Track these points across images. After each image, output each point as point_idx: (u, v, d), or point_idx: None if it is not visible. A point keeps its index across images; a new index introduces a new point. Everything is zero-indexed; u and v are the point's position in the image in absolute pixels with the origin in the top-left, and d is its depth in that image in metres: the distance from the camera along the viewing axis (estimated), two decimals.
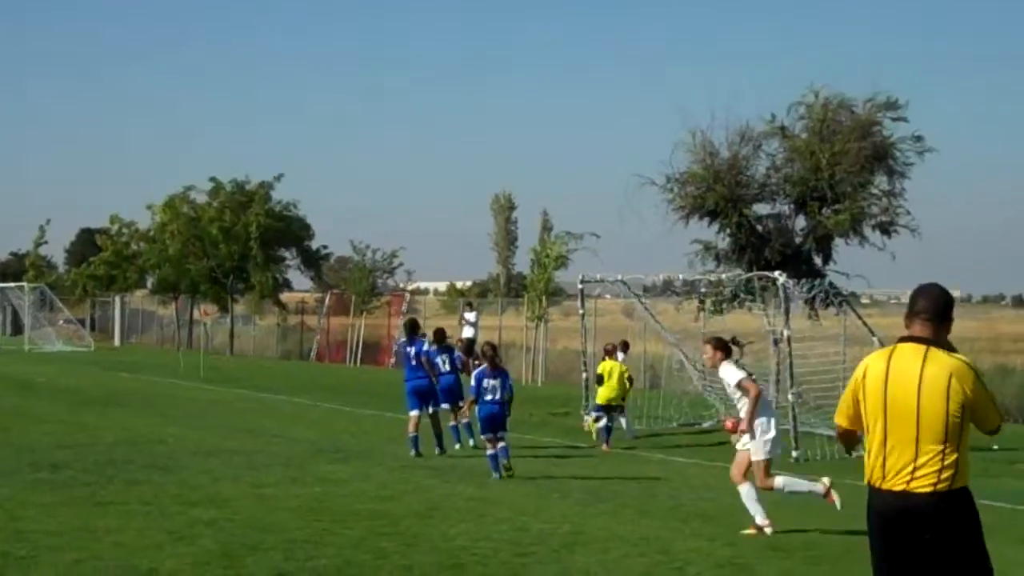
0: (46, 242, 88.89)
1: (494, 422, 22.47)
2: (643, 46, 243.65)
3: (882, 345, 30.45)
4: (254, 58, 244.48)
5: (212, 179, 76.90)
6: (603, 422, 29.61)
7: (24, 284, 79.64)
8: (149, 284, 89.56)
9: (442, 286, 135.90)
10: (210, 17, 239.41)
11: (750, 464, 17.26)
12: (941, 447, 8.29)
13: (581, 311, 35.21)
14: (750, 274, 34.75)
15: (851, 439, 9.05)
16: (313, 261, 79.93)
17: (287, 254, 78.54)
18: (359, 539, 15.50)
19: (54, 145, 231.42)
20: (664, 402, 34.16)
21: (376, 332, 67.50)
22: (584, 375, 33.39)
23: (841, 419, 8.93)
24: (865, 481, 8.69)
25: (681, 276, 38.16)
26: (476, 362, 54.85)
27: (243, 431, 29.36)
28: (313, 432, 29.18)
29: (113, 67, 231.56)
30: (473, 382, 22.82)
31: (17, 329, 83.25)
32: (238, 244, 74.08)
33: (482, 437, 23.17)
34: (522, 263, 66.43)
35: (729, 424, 17.74)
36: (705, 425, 33.74)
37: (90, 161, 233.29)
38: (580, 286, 34.92)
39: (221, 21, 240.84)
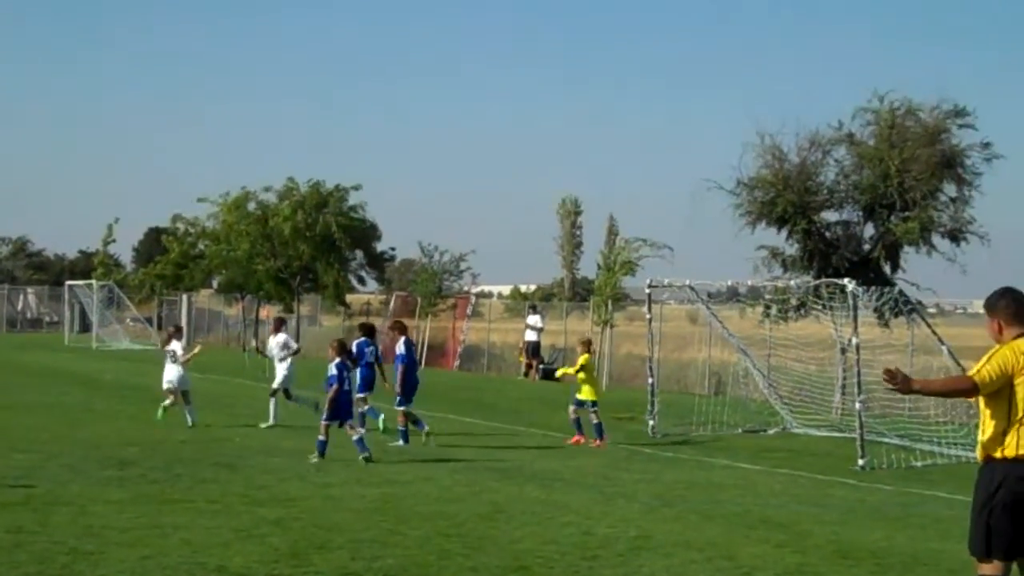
0: (114, 240, 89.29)
1: (349, 410, 24.57)
2: (711, 50, 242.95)
3: (951, 355, 30.35)
4: (323, 63, 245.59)
5: (289, 179, 76.43)
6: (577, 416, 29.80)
7: (93, 282, 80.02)
8: (215, 283, 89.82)
9: (506, 289, 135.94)
10: (270, 26, 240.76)
11: None
12: None
13: (648, 316, 34.94)
14: (819, 281, 34.57)
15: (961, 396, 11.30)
16: (378, 263, 79.92)
17: (351, 255, 78.35)
18: (424, 540, 15.56)
19: (123, 144, 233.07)
20: (729, 408, 33.99)
21: (441, 334, 67.46)
22: (651, 380, 33.21)
23: (985, 383, 10.24)
24: (1005, 455, 10.21)
25: (749, 282, 37.90)
26: (539, 364, 55.17)
27: (309, 430, 29.42)
28: (377, 433, 29.24)
29: (188, 68, 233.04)
30: (335, 371, 24.06)
31: (85, 327, 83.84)
32: (310, 244, 73.95)
33: (332, 423, 24.12)
34: (587, 267, 66.51)
35: None
36: (771, 432, 33.59)
37: (159, 160, 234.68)
38: (648, 291, 34.64)
39: (291, 30, 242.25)
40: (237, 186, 78.97)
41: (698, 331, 50.42)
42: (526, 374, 56.16)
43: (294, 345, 31.45)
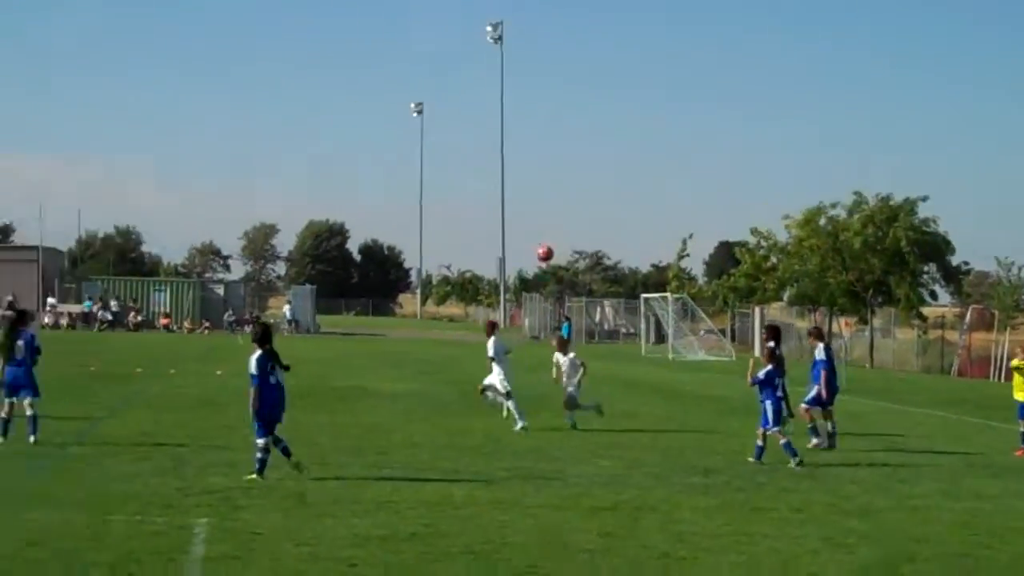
0: (687, 255, 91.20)
1: None
2: None
3: None
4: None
5: (856, 193, 76.78)
6: None
7: (667, 295, 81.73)
8: (786, 296, 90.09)
9: None
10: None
11: None
12: None
13: None
14: None
15: None
16: (953, 276, 78.54)
17: (926, 268, 77.41)
18: (1017, 556, 15.19)
19: (696, 161, 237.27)
20: None
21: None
22: None
23: None
24: None
25: None
26: None
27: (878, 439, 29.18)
28: (958, 446, 28.67)
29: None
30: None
31: (660, 338, 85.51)
32: (881, 258, 73.63)
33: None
34: None
35: None
36: None
37: (730, 176, 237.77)
38: None
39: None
40: (808, 201, 79.55)
41: None
42: None
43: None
